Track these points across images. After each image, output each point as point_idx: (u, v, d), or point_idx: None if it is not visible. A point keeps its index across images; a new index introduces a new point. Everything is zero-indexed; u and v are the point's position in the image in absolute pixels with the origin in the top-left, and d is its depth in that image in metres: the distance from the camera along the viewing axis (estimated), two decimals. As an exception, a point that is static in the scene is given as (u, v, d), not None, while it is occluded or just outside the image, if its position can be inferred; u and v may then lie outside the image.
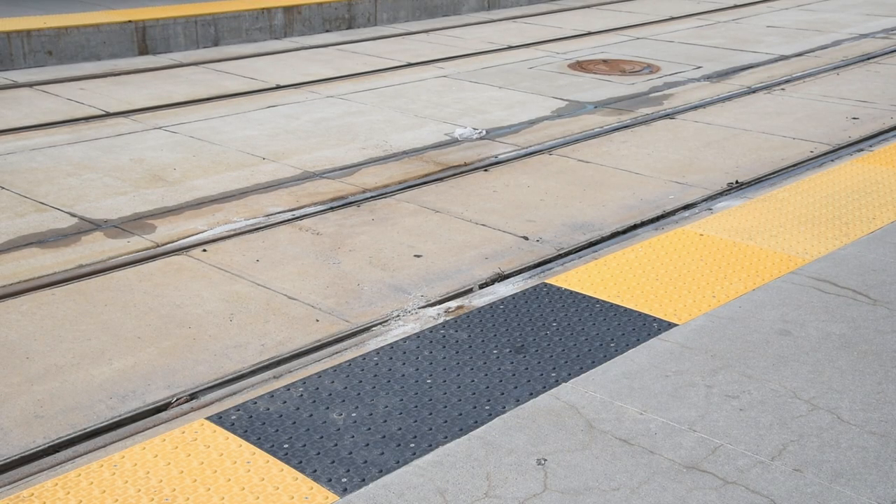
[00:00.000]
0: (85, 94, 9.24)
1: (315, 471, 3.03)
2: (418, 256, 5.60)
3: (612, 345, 3.86)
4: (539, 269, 5.52)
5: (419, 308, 5.01)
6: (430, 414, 3.35)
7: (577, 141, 7.81)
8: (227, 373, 4.35)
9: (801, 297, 4.28)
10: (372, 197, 6.54)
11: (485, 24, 13.69)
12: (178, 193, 6.59)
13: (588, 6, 15.35)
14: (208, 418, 3.30)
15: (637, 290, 4.33)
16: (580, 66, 10.69)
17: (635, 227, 6.11)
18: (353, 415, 3.34)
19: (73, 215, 6.17)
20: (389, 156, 7.45)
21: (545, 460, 3.08)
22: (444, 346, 3.83)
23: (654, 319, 4.07)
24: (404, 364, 3.69)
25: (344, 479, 2.99)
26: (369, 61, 10.98)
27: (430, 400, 3.44)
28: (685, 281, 4.43)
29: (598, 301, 4.24)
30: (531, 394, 3.48)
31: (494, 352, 3.79)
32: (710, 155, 7.44)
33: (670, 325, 4.02)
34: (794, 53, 11.41)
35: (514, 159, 7.34)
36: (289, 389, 3.51)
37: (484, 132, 8.05)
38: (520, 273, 5.45)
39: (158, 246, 5.70)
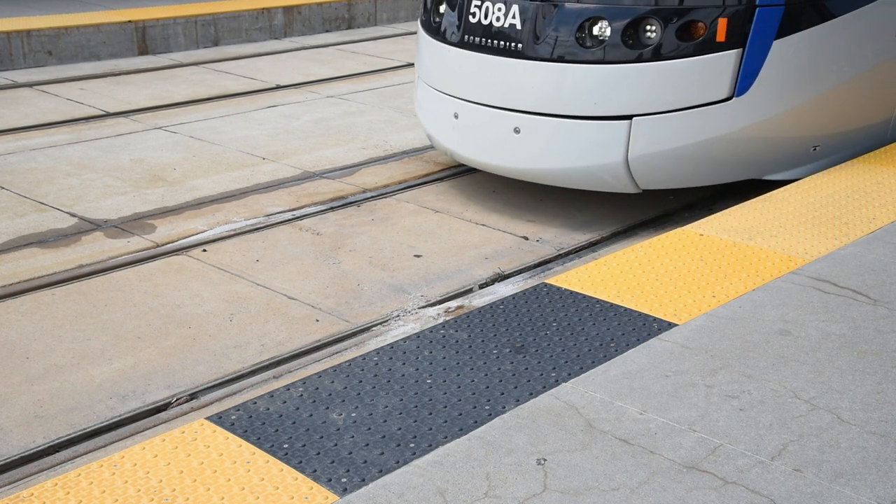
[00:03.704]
0: (85, 94, 9.24)
1: (315, 471, 3.03)
2: (418, 256, 5.60)
3: (612, 345, 3.86)
4: (539, 269, 5.52)
5: (419, 308, 5.01)
6: (430, 414, 3.35)
7: (577, 141, 7.80)
8: (227, 373, 4.35)
9: (801, 297, 4.28)
10: (372, 197, 6.55)
11: (485, 24, 13.67)
12: (178, 193, 6.59)
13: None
14: (208, 418, 3.30)
15: (637, 290, 4.34)
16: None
17: (635, 227, 6.11)
18: (353, 415, 3.34)
19: (73, 215, 6.17)
20: (389, 156, 7.45)
21: (545, 460, 3.08)
22: (444, 346, 3.83)
23: (654, 319, 4.07)
24: (404, 364, 3.69)
25: (344, 479, 2.99)
26: (369, 61, 10.98)
27: (430, 400, 3.44)
28: (685, 281, 4.43)
29: (598, 301, 4.24)
30: (531, 394, 3.48)
31: (494, 352, 3.79)
32: (710, 155, 7.43)
33: (670, 325, 4.02)
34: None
35: (514, 159, 7.33)
36: (289, 389, 3.51)
37: (484, 132, 8.04)
38: (520, 273, 5.45)
39: (158, 246, 5.70)
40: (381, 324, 4.85)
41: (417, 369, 3.65)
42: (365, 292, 5.16)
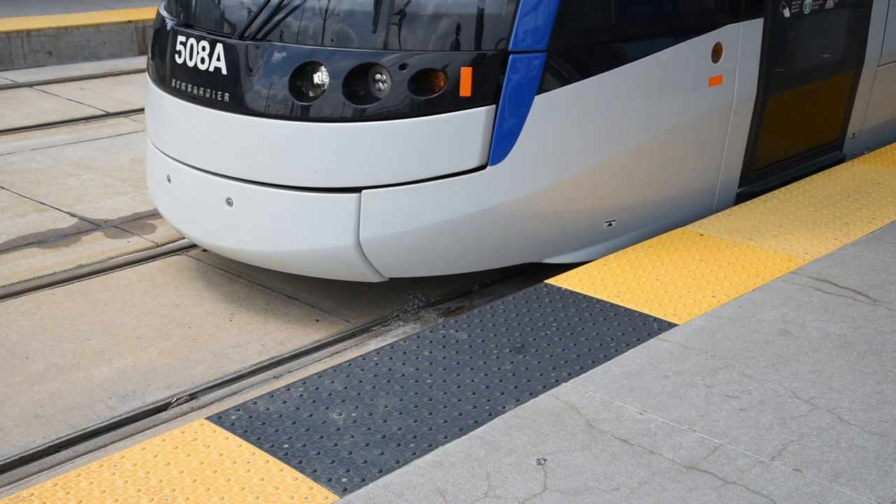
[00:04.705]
0: (85, 94, 9.24)
1: (315, 471, 3.03)
2: (418, 256, 5.60)
3: (612, 345, 3.86)
4: (539, 269, 5.52)
5: (419, 308, 5.01)
6: (430, 414, 3.35)
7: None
8: (227, 373, 4.35)
9: (801, 297, 4.28)
10: (372, 197, 6.53)
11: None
12: (178, 193, 6.58)
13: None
14: (208, 418, 3.30)
15: (637, 290, 4.33)
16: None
17: (635, 227, 6.10)
18: (353, 415, 3.34)
19: (73, 215, 6.17)
20: (389, 156, 7.44)
21: (545, 460, 3.08)
22: (444, 346, 3.83)
23: (654, 319, 4.07)
24: (404, 364, 3.69)
25: (344, 479, 2.99)
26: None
27: (430, 400, 3.44)
28: (685, 281, 4.43)
29: (598, 301, 4.24)
30: (531, 394, 3.48)
31: (494, 352, 3.79)
32: (710, 155, 7.42)
33: (670, 325, 4.02)
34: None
35: (514, 159, 7.32)
36: (289, 389, 3.51)
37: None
38: (520, 273, 5.45)
39: (158, 246, 5.70)
40: (381, 324, 4.85)
41: (417, 369, 3.65)
42: (365, 292, 5.16)
